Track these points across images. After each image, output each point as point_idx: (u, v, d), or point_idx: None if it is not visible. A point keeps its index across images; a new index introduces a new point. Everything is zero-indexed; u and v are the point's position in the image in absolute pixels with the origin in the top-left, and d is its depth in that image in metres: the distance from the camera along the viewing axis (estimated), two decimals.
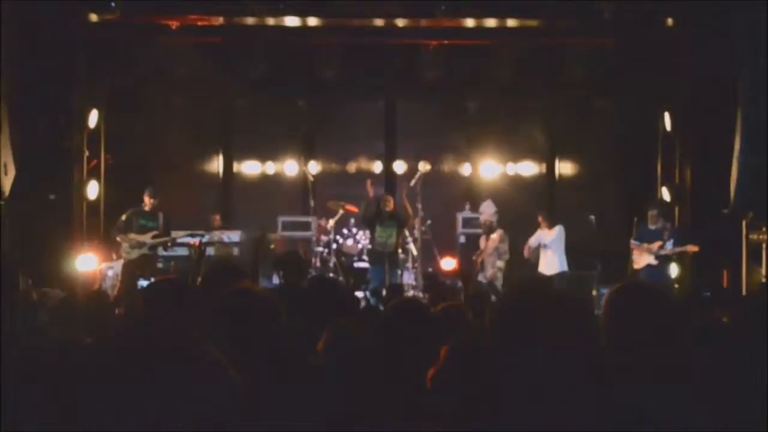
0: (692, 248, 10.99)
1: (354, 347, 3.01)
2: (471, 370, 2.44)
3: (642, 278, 10.93)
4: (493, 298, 9.41)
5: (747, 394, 2.57)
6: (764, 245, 11.09)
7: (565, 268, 11.57)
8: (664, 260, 11.04)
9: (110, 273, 11.54)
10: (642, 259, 11.06)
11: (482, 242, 11.89)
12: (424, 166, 12.30)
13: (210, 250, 11.93)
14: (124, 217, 10.90)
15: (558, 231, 11.65)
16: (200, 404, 2.46)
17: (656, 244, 10.94)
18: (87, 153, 12.55)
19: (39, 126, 11.55)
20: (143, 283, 10.17)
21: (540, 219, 11.79)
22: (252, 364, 2.56)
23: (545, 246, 11.62)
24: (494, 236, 11.47)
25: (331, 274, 11.80)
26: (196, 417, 2.48)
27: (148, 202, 10.89)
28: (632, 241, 11.24)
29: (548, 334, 2.54)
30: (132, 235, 10.77)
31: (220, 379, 2.49)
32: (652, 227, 11.05)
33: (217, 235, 12.16)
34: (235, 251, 12.18)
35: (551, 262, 11.57)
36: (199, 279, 4.44)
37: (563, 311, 2.52)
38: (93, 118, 12.53)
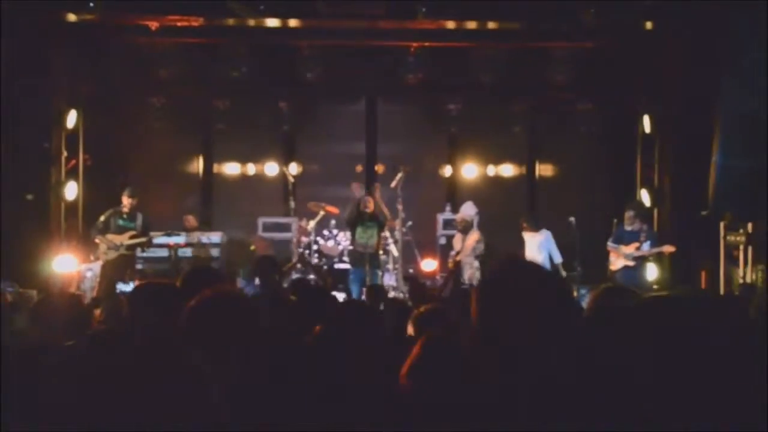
0: (669, 248, 11.03)
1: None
2: (445, 363, 2.43)
3: (619, 280, 10.98)
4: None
5: (728, 397, 2.58)
6: (742, 246, 11.18)
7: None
8: (640, 262, 11.08)
9: (89, 274, 11.46)
10: (619, 260, 11.09)
11: (457, 242, 11.88)
12: (404, 168, 12.29)
13: (187, 251, 11.87)
14: (102, 218, 10.82)
15: (545, 234, 11.65)
16: (182, 406, 2.44)
17: (633, 246, 10.96)
18: (65, 153, 12.46)
19: (17, 126, 11.45)
20: (122, 286, 10.09)
21: (523, 224, 11.74)
22: (233, 366, 2.54)
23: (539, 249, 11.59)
24: (473, 236, 11.49)
25: (311, 276, 11.79)
26: (178, 419, 2.46)
27: (126, 203, 10.82)
28: (609, 243, 11.27)
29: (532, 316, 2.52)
30: (110, 236, 10.70)
31: (200, 382, 2.47)
32: (628, 228, 11.08)
33: (196, 236, 12.09)
34: (214, 252, 12.09)
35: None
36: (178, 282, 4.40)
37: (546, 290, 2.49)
38: (71, 119, 12.45)
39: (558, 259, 11.53)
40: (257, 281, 7.04)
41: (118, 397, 2.67)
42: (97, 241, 10.82)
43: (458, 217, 12.00)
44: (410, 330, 4.00)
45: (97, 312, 6.74)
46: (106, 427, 2.61)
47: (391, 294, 11.06)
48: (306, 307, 5.65)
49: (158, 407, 2.50)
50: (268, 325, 2.81)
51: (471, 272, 11.67)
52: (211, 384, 2.47)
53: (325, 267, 12.49)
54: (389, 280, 12.12)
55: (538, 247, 11.63)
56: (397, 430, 2.55)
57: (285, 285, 10.36)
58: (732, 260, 11.22)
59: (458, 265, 11.63)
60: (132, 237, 10.75)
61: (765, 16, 10.18)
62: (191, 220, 12.52)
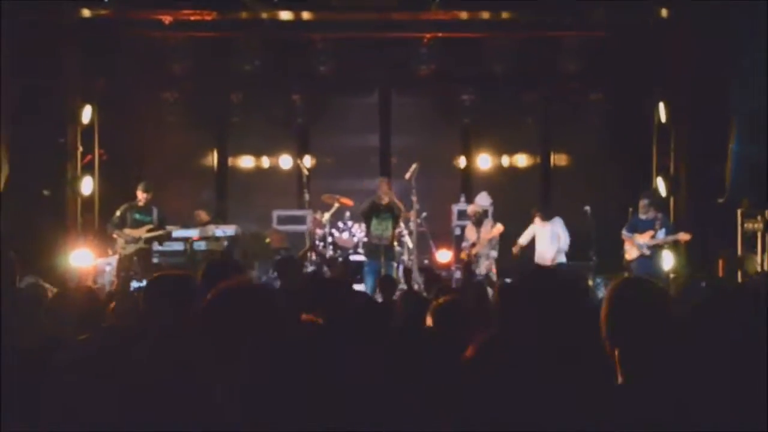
0: (684, 236, 10.94)
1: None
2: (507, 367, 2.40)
3: (634, 269, 10.93)
4: (489, 290, 9.41)
5: (747, 386, 2.56)
6: (759, 234, 11.12)
7: (563, 259, 11.54)
8: (656, 250, 11.00)
9: (107, 269, 11.52)
10: (634, 249, 11.01)
11: (470, 233, 11.85)
12: (418, 160, 12.27)
13: (202, 245, 11.91)
14: (118, 213, 10.88)
15: (558, 222, 11.63)
16: (191, 404, 2.43)
17: (648, 234, 10.88)
18: (81, 149, 12.52)
19: (33, 122, 11.51)
20: (135, 284, 10.10)
21: (535, 213, 11.72)
22: (253, 360, 2.53)
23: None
24: (497, 227, 11.43)
25: (326, 268, 11.80)
26: (192, 417, 2.46)
27: (141, 197, 10.87)
28: (624, 232, 11.19)
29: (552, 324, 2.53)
30: (127, 231, 10.76)
31: (210, 380, 2.46)
32: (643, 217, 11.00)
33: (210, 229, 12.12)
34: (229, 245, 12.11)
35: (551, 253, 11.52)
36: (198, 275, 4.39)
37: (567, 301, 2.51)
38: (87, 114, 12.50)
39: (566, 244, 11.50)
40: (274, 275, 7.06)
41: (127, 393, 2.67)
42: (114, 235, 10.87)
43: (470, 208, 12.00)
44: (429, 321, 4.00)
45: (112, 306, 6.79)
46: (115, 424, 2.61)
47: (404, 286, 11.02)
48: (319, 300, 5.67)
49: (167, 405, 2.49)
50: (286, 318, 2.78)
51: (488, 263, 11.66)
52: (219, 382, 2.46)
53: (340, 259, 12.49)
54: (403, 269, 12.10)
55: (551, 237, 11.61)
56: (398, 429, 2.54)
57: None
58: (750, 247, 11.16)
59: (472, 257, 11.61)
60: (149, 231, 10.81)
61: (765, 14, 10.11)
62: (202, 214, 12.58)
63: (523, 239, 11.82)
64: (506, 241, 11.93)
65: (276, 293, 2.80)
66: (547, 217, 11.64)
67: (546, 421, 2.07)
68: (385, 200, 11.15)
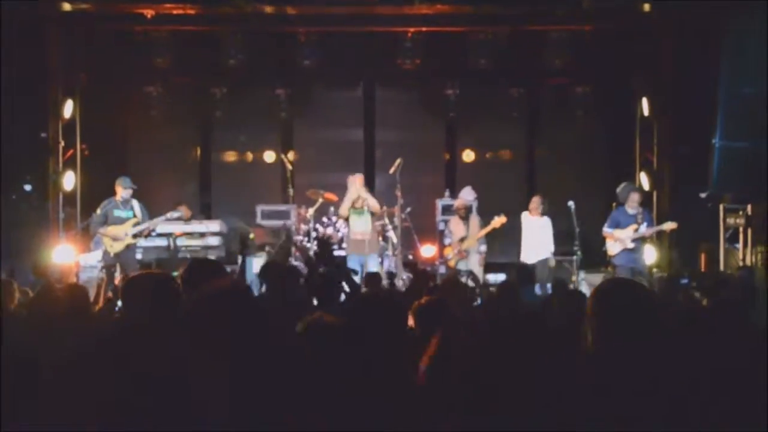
0: (670, 225, 10.92)
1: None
2: (465, 363, 2.41)
3: (617, 263, 10.95)
4: (470, 283, 9.46)
5: (738, 381, 2.58)
6: (741, 228, 11.19)
7: (547, 255, 11.52)
8: (640, 243, 10.99)
9: (89, 265, 11.44)
10: (617, 244, 10.96)
11: (455, 227, 11.81)
12: (403, 154, 12.25)
13: (185, 240, 11.84)
14: (99, 211, 10.74)
15: (547, 221, 11.62)
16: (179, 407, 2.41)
17: (631, 228, 10.88)
18: (63, 143, 12.43)
19: (14, 117, 11.41)
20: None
21: (533, 206, 11.64)
22: (238, 364, 2.51)
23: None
24: (501, 218, 11.39)
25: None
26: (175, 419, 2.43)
27: (120, 193, 10.75)
28: (605, 229, 11.10)
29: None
30: (111, 229, 10.64)
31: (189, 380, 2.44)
32: (631, 211, 10.98)
33: (195, 224, 12.06)
34: (213, 241, 12.03)
35: (537, 249, 11.50)
36: (179, 274, 4.34)
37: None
38: (68, 108, 12.41)
39: (552, 246, 11.53)
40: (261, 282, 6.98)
41: (109, 392, 2.64)
42: (100, 233, 10.74)
43: (458, 203, 11.94)
44: (410, 321, 3.95)
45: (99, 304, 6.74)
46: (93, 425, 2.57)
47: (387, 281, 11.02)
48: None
49: (146, 403, 2.46)
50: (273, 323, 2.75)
51: (480, 257, 11.63)
52: (200, 381, 2.43)
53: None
54: (388, 266, 12.10)
55: (539, 230, 11.61)
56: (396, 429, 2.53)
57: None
58: (732, 242, 11.23)
59: (462, 252, 11.58)
60: (134, 225, 10.71)
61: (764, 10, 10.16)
62: (184, 210, 12.52)
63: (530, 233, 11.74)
64: (497, 234, 11.85)
65: (257, 299, 2.76)
66: (543, 212, 11.61)
67: None
68: (361, 199, 11.24)
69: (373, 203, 11.51)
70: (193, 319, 2.61)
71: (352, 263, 10.85)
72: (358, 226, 11.29)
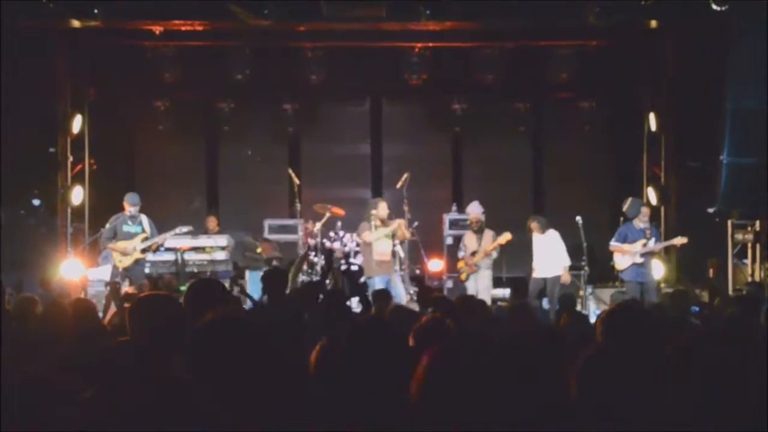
0: (680, 240, 10.90)
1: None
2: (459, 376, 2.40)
3: (626, 278, 10.91)
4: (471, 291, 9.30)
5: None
6: (750, 244, 11.17)
7: (559, 272, 11.34)
8: (648, 258, 10.96)
9: (97, 279, 11.46)
10: (625, 259, 10.92)
11: (469, 241, 11.68)
12: (409, 169, 12.23)
13: (193, 254, 11.85)
14: (108, 226, 10.73)
15: (553, 236, 11.46)
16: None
17: (640, 243, 10.85)
18: (71, 158, 12.48)
19: (23, 132, 11.47)
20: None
21: (532, 225, 11.51)
22: (241, 397, 2.52)
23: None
24: (506, 235, 11.26)
25: (315, 278, 11.76)
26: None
27: (128, 208, 10.74)
28: (612, 243, 11.07)
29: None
30: (120, 244, 10.63)
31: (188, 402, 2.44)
32: (641, 225, 10.93)
33: (203, 238, 12.07)
34: (221, 255, 12.03)
35: (549, 265, 11.34)
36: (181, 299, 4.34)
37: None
38: (77, 123, 12.47)
39: (567, 261, 11.33)
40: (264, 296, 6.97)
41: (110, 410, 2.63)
42: (110, 248, 10.72)
43: (472, 216, 11.73)
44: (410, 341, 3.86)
45: (108, 319, 6.76)
46: None
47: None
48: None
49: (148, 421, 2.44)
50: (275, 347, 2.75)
51: (488, 273, 11.50)
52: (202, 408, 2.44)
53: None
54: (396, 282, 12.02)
55: (546, 246, 11.51)
56: None
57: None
58: (740, 258, 11.21)
59: (472, 266, 11.47)
60: (143, 240, 10.71)
61: (765, 15, 10.17)
62: (212, 222, 12.60)
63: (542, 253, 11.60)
64: (510, 249, 11.75)
65: (262, 327, 2.75)
66: (542, 229, 11.43)
67: None
68: (383, 223, 11.01)
69: (408, 234, 11.34)
70: (197, 352, 2.63)
71: (379, 284, 10.54)
72: (383, 246, 10.99)
